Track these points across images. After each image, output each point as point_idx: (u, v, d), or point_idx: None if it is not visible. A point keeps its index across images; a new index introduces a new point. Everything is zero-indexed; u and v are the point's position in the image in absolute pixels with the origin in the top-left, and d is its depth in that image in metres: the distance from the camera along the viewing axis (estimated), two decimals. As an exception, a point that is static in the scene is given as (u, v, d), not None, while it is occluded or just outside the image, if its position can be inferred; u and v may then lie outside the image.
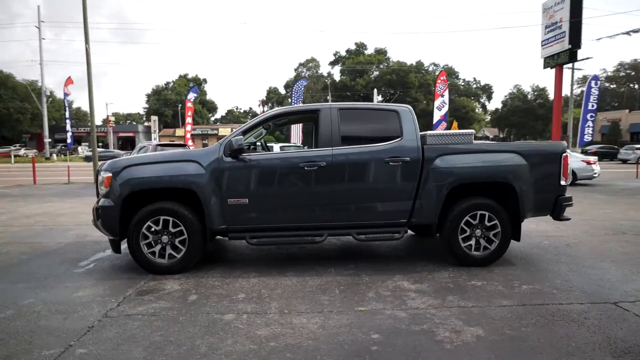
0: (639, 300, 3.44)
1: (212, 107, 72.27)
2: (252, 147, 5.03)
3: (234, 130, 4.52)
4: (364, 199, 4.35)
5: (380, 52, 62.21)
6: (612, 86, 58.00)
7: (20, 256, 5.00)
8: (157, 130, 23.03)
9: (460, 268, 4.37)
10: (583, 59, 16.05)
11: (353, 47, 63.28)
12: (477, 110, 62.16)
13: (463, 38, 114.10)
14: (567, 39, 15.85)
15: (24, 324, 3.04)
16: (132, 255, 4.22)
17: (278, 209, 4.30)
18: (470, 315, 3.16)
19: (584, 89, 18.30)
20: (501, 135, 64.30)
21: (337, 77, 62.12)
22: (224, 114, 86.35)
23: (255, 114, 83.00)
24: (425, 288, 3.79)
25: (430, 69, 63.65)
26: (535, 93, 52.96)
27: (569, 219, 4.69)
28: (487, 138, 59.09)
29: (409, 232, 5.06)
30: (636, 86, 58.76)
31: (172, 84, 67.03)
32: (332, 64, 64.97)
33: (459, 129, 25.85)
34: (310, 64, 66.09)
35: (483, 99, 65.70)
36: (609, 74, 57.34)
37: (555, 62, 16.66)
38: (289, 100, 68.78)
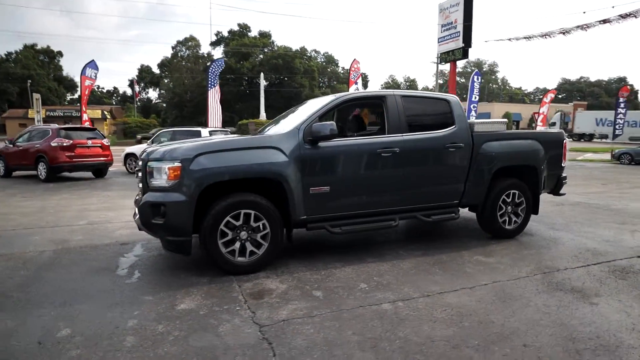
0: (651, 253, 4.47)
1: (70, 85, 62.11)
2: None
3: (299, 114, 4.26)
4: (429, 183, 4.59)
5: (265, 36, 61.51)
6: (462, 80, 68.27)
7: (15, 272, 3.90)
8: (40, 112, 18.87)
9: (497, 241, 4.95)
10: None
11: (236, 28, 61.32)
12: (355, 97, 66.45)
13: (343, 27, 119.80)
14: (461, 38, 18.18)
15: (171, 348, 2.51)
16: (209, 256, 3.72)
17: (355, 195, 4.25)
18: (570, 276, 3.72)
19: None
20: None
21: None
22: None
23: (124, 96, 74.45)
24: (502, 260, 4.25)
25: (312, 55, 65.66)
26: (407, 84, 59.19)
27: (564, 194, 5.70)
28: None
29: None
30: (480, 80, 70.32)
31: (15, 55, 55.41)
32: (214, 44, 61.96)
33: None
34: (190, 43, 61.78)
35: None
36: (459, 70, 67.31)
37: (450, 57, 18.99)
38: (165, 80, 62.32)
